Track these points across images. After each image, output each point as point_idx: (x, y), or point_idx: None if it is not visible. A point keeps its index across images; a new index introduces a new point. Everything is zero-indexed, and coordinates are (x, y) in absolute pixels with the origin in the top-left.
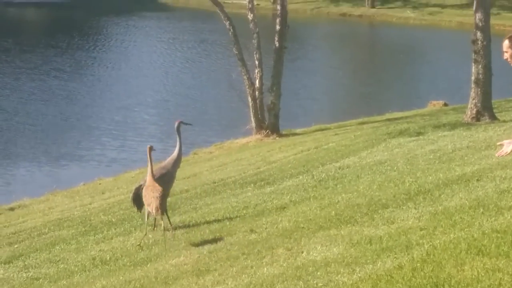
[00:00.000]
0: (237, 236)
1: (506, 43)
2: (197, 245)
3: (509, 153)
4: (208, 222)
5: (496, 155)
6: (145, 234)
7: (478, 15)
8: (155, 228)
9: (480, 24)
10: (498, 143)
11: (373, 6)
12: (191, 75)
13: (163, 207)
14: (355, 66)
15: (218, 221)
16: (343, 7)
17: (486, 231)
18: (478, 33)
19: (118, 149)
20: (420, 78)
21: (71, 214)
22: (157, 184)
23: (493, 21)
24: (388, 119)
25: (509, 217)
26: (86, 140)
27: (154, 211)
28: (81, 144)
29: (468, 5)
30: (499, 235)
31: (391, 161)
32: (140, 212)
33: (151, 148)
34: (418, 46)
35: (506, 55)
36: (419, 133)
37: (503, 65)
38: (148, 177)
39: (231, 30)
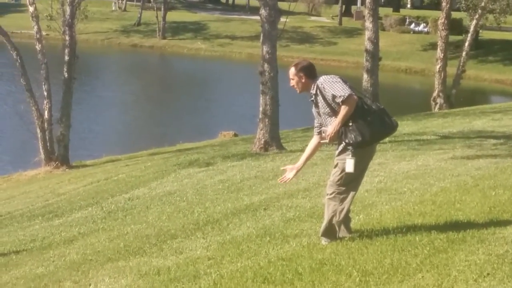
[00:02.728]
0: (24, 270)
1: (292, 70)
2: None
3: (291, 179)
4: None
5: (279, 181)
6: None
7: (265, 47)
8: None
9: (267, 56)
10: (282, 168)
11: (164, 37)
12: None
13: None
14: (146, 97)
15: (4, 255)
16: (134, 38)
17: (272, 259)
18: (266, 65)
19: None
20: (211, 108)
21: None
22: None
23: (281, 53)
24: (179, 150)
25: (294, 245)
26: None
27: None
28: None
29: (257, 37)
30: (284, 262)
31: (180, 191)
32: None
33: None
34: (209, 77)
35: (292, 82)
36: (208, 164)
37: (290, 97)
38: None
39: (19, 60)
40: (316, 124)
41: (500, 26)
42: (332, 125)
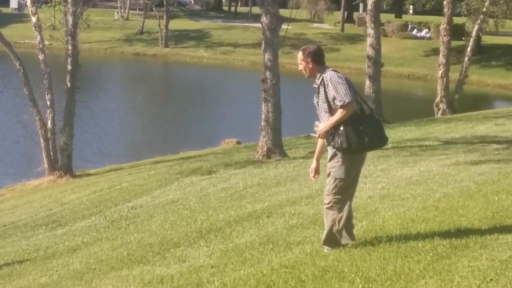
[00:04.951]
0: (27, 279)
1: (300, 55)
2: None
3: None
4: None
5: (313, 178)
6: None
7: (267, 55)
8: None
9: (269, 64)
10: (313, 176)
11: (166, 46)
12: None
13: None
14: (150, 105)
15: (8, 265)
16: (136, 47)
17: (275, 267)
18: (267, 72)
19: None
20: (214, 116)
21: None
22: None
23: (284, 60)
24: (182, 158)
25: (297, 252)
26: None
27: None
28: None
29: (259, 45)
30: (287, 270)
31: (183, 199)
32: None
33: None
34: (212, 84)
35: (300, 67)
36: (211, 172)
37: (293, 104)
38: None
39: (22, 70)
40: (318, 112)
41: (498, 30)
42: (324, 123)
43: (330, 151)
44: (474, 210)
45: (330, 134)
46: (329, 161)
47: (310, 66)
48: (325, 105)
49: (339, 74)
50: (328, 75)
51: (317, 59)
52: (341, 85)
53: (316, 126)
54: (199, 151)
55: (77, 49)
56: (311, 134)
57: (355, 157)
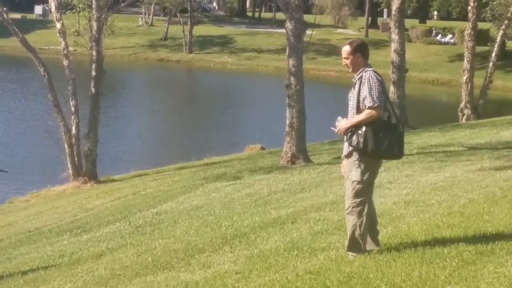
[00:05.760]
0: (52, 285)
1: (347, 49)
2: None
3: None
4: (22, 272)
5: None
6: None
7: (291, 61)
8: None
9: (293, 69)
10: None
11: (190, 52)
12: (4, 121)
13: None
14: (174, 111)
15: (33, 270)
16: (161, 53)
17: (300, 273)
18: (292, 78)
19: None
20: (239, 122)
21: None
22: None
23: (308, 65)
24: (206, 164)
25: (322, 258)
26: None
27: None
28: None
29: (283, 50)
30: (312, 276)
31: (208, 205)
32: None
33: None
34: (236, 90)
35: (345, 61)
36: (236, 177)
37: (317, 109)
38: None
39: (46, 76)
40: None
41: None
42: (346, 120)
43: (346, 148)
44: (500, 216)
45: (350, 131)
46: (345, 158)
47: (359, 59)
48: (355, 102)
49: (378, 77)
50: (368, 74)
51: (365, 53)
52: (375, 88)
53: (338, 121)
54: (223, 157)
55: (101, 55)
56: (332, 128)
57: (370, 160)
